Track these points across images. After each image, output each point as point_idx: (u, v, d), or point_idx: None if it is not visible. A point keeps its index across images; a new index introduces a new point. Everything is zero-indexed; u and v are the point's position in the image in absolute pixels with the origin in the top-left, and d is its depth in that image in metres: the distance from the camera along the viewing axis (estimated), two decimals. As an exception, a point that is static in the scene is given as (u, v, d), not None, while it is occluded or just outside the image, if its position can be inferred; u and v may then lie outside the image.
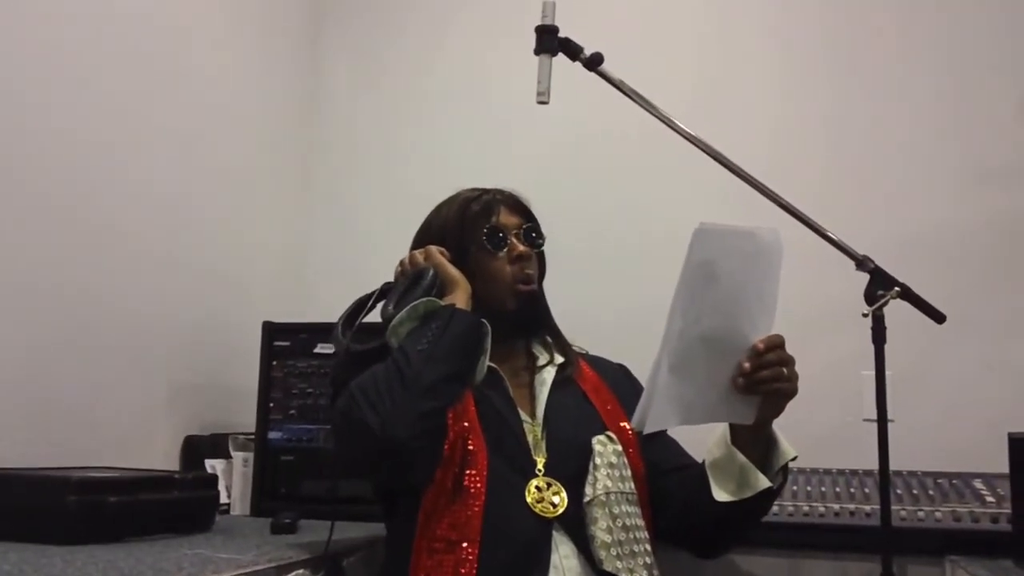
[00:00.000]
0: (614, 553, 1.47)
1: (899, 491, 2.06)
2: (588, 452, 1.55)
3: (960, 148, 2.48)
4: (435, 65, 2.95)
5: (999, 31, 2.51)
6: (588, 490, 1.51)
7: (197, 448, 2.33)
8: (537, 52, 1.80)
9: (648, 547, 1.54)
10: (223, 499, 2.14)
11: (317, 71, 3.04)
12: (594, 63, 1.79)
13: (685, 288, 1.33)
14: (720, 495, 1.47)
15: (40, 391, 1.93)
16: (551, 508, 1.50)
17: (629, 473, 1.57)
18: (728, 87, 2.66)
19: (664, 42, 2.72)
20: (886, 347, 1.70)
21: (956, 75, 2.52)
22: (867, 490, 2.10)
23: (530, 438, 1.58)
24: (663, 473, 1.63)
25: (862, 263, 1.74)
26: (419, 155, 2.87)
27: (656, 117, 1.78)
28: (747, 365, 1.37)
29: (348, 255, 2.84)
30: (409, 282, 1.57)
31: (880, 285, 1.72)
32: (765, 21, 2.70)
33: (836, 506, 2.07)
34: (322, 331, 2.20)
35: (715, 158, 1.77)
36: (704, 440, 1.56)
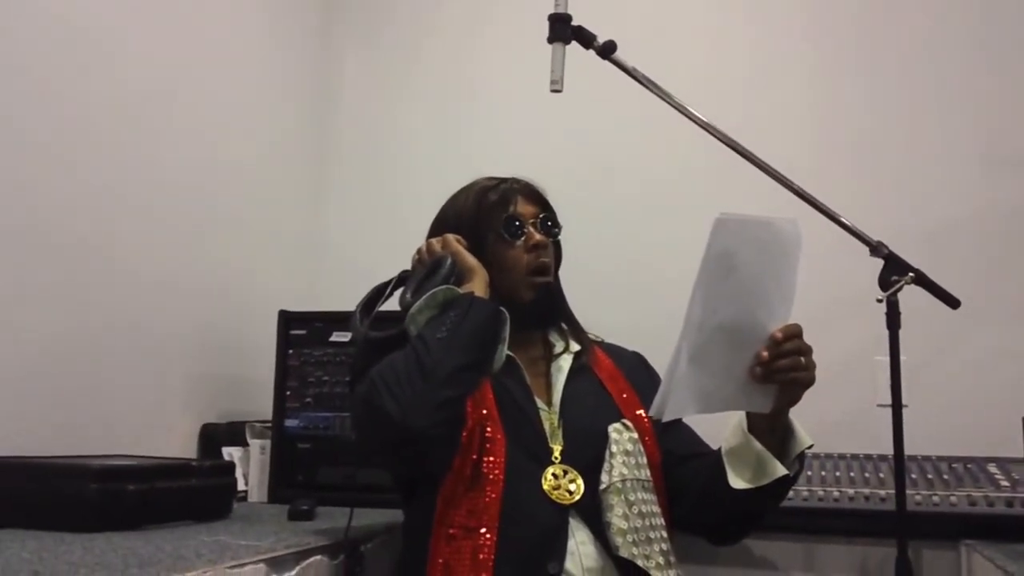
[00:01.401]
0: (630, 540, 1.47)
1: (914, 476, 2.06)
2: (604, 440, 1.55)
3: (976, 137, 2.47)
4: (451, 57, 2.95)
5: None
6: (604, 477, 1.51)
7: (214, 436, 2.35)
8: (550, 40, 1.80)
9: (664, 533, 1.54)
10: (240, 486, 2.16)
11: (330, 64, 3.04)
12: (607, 51, 1.79)
13: (705, 278, 1.32)
14: (736, 482, 1.46)
15: (59, 382, 1.95)
16: (567, 495, 1.51)
17: (645, 461, 1.58)
18: (746, 78, 2.66)
19: (678, 32, 2.72)
20: (901, 333, 1.71)
21: (979, 66, 2.50)
22: (882, 475, 2.10)
23: (547, 426, 1.58)
24: (679, 461, 1.63)
25: (876, 249, 1.75)
26: (432, 147, 2.87)
27: (670, 104, 1.78)
28: (765, 354, 1.37)
29: (361, 244, 2.85)
30: (427, 270, 1.57)
31: (894, 271, 1.72)
32: (789, 9, 2.68)
33: (851, 491, 2.06)
34: (337, 320, 2.21)
35: (728, 144, 1.77)
36: (719, 430, 1.55)
